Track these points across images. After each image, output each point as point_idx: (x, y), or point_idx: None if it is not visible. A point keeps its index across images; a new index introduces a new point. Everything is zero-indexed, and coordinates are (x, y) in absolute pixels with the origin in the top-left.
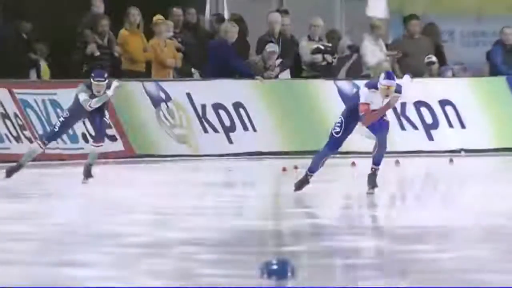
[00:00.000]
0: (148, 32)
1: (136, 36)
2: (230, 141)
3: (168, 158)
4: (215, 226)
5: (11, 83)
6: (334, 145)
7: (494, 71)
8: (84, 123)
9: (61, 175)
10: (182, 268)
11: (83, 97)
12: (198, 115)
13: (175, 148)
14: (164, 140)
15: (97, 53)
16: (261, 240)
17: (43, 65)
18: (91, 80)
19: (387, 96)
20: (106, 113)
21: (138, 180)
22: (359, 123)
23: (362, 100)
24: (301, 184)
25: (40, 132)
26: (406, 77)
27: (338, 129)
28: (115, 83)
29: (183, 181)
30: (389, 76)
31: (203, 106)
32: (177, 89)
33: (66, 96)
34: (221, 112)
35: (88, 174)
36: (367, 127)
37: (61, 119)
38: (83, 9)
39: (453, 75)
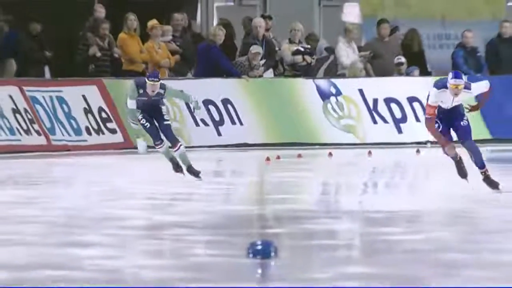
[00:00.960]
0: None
1: (133, 39)
2: (219, 134)
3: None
4: (205, 210)
5: (21, 81)
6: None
7: (462, 72)
8: (86, 116)
9: (66, 164)
10: (176, 248)
11: (131, 105)
12: (190, 110)
13: None
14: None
15: (99, 54)
16: (247, 223)
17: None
18: (146, 79)
19: (456, 94)
20: (165, 115)
21: (137, 169)
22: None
23: (429, 101)
24: (462, 171)
25: (48, 125)
26: (485, 81)
27: (436, 125)
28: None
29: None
30: (456, 75)
31: (196, 103)
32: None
33: (71, 93)
34: (211, 107)
35: (196, 172)
36: (454, 130)
37: (145, 124)
38: (85, 14)
39: (420, 74)
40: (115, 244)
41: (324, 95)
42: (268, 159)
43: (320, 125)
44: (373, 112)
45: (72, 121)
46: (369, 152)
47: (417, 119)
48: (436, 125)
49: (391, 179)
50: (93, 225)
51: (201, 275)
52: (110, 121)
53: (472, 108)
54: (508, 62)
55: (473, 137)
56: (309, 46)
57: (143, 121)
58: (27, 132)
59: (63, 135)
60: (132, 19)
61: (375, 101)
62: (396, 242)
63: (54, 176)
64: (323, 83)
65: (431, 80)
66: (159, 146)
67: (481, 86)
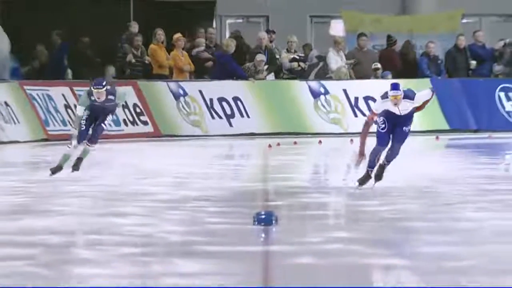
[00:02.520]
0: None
1: (161, 49)
2: (231, 125)
3: (185, 138)
4: (219, 186)
5: (71, 83)
6: (383, 140)
7: (422, 75)
8: (123, 109)
9: (106, 150)
10: (195, 217)
11: (80, 112)
12: (207, 106)
13: (191, 130)
14: (182, 124)
15: (133, 61)
16: (253, 197)
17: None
18: (91, 87)
19: (395, 104)
20: (109, 118)
21: (163, 154)
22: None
23: (373, 108)
24: (364, 179)
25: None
26: (427, 90)
27: (383, 126)
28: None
29: (196, 154)
30: (394, 87)
31: (211, 100)
32: (191, 87)
33: None
34: (224, 104)
35: (76, 167)
36: (396, 130)
37: (81, 124)
38: (123, 29)
39: (392, 78)
40: (146, 214)
41: (315, 94)
42: (270, 145)
43: (312, 118)
44: (354, 108)
45: (113, 115)
46: (351, 140)
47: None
48: (383, 124)
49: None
50: (128, 198)
51: (216, 239)
52: (143, 114)
53: (417, 109)
54: (462, 68)
55: (435, 128)
56: (303, 54)
57: (83, 122)
58: None
59: (105, 126)
60: (160, 33)
61: (356, 99)
62: (373, 212)
63: (96, 159)
64: (314, 84)
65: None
66: (71, 145)
67: (424, 96)
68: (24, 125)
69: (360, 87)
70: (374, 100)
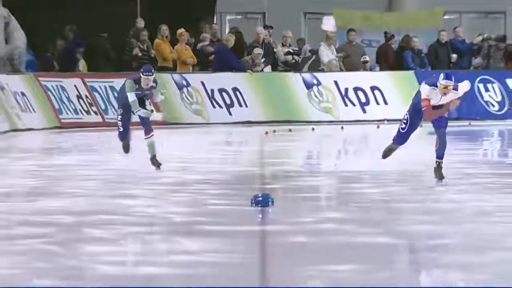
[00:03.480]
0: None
1: (165, 43)
2: (230, 114)
3: (188, 125)
4: (219, 170)
5: (82, 74)
6: (401, 139)
7: (406, 67)
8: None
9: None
10: (197, 199)
11: (132, 97)
12: (208, 96)
13: (193, 118)
14: (186, 113)
15: (140, 54)
16: (251, 180)
17: (83, 63)
18: (140, 74)
19: (445, 94)
20: (147, 106)
21: (169, 140)
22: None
23: (423, 95)
24: (387, 153)
25: (103, 107)
26: (466, 82)
27: (404, 126)
28: (160, 97)
29: (198, 140)
30: (447, 76)
31: (212, 90)
32: (194, 78)
33: (119, 83)
34: (224, 94)
35: (157, 163)
36: (431, 121)
37: (119, 118)
38: (129, 25)
39: (380, 70)
40: (152, 196)
41: (308, 85)
42: (266, 132)
43: (305, 107)
44: (344, 97)
45: None
46: (342, 128)
47: (377, 103)
48: (405, 124)
49: (358, 147)
50: (136, 181)
51: (216, 219)
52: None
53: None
54: (444, 61)
55: None
56: (297, 48)
57: (119, 123)
58: (87, 112)
59: (114, 114)
60: (164, 29)
61: (346, 89)
62: (361, 194)
63: (107, 145)
64: (307, 76)
65: (389, 74)
66: (121, 140)
67: (465, 87)
68: (39, 114)
69: (350, 79)
70: (362, 90)
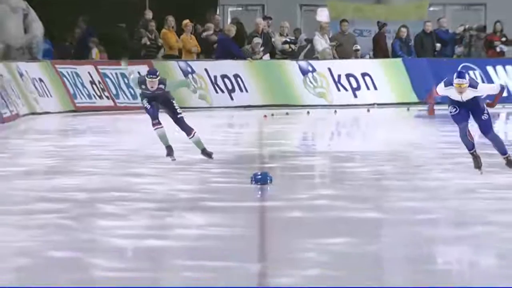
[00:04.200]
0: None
1: (171, 33)
2: (232, 98)
3: (193, 109)
4: (222, 151)
5: (95, 62)
6: (459, 119)
7: (394, 55)
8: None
9: (127, 120)
10: (201, 177)
11: (134, 82)
12: (211, 82)
13: (198, 102)
14: (191, 97)
15: (148, 43)
16: (251, 159)
17: (96, 51)
18: (145, 77)
19: (461, 92)
20: (177, 108)
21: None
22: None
23: (437, 89)
24: (476, 163)
25: (114, 92)
26: (496, 85)
27: (454, 110)
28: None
29: (202, 123)
30: (459, 75)
31: (215, 76)
32: (198, 65)
33: (129, 70)
34: (226, 80)
35: (209, 154)
36: (476, 123)
37: (146, 105)
38: (139, 16)
39: (370, 57)
40: (160, 175)
41: (304, 72)
42: (265, 116)
43: (301, 92)
44: (337, 83)
45: (131, 89)
46: (335, 111)
47: (368, 88)
48: (454, 109)
49: (350, 129)
50: (144, 161)
51: (219, 195)
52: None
53: (488, 105)
54: (429, 49)
55: (406, 100)
56: (293, 38)
57: (146, 104)
58: (100, 97)
59: (124, 99)
60: (170, 20)
61: (339, 76)
62: (353, 173)
63: (118, 127)
64: (303, 63)
65: (378, 61)
66: (155, 127)
67: (489, 88)
68: (55, 98)
69: (342, 66)
70: (353, 76)
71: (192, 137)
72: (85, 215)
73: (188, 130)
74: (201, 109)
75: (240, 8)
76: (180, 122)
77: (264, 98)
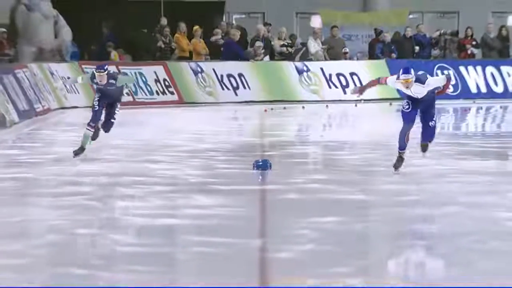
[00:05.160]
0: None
1: (183, 37)
2: (236, 94)
3: (202, 104)
4: (227, 140)
5: (118, 63)
6: (408, 118)
7: (376, 56)
8: (156, 83)
9: (143, 113)
10: (208, 164)
11: (79, 80)
12: (218, 80)
13: (206, 98)
14: (200, 93)
15: (163, 46)
16: (253, 148)
17: (115, 53)
18: (94, 71)
19: (407, 87)
20: (117, 109)
21: (186, 116)
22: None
23: (386, 78)
24: (398, 163)
25: (133, 89)
26: (442, 76)
27: (407, 106)
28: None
29: (210, 116)
30: (404, 71)
31: (221, 75)
32: (207, 66)
33: (147, 70)
34: (231, 79)
35: (76, 152)
36: (422, 126)
37: (95, 105)
38: (155, 22)
39: (358, 59)
40: (172, 161)
41: (299, 72)
42: (265, 110)
43: (297, 89)
44: (329, 81)
45: (148, 87)
46: (327, 106)
47: (355, 86)
48: (407, 105)
49: (340, 122)
50: (159, 149)
51: (225, 180)
52: (170, 87)
53: (438, 93)
54: (409, 52)
55: (389, 96)
56: (290, 42)
57: (96, 103)
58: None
59: (142, 95)
60: (182, 26)
61: (330, 75)
62: (342, 160)
63: (136, 120)
64: (298, 64)
65: (365, 62)
66: (88, 127)
67: (436, 81)
68: (81, 94)
69: (333, 66)
70: (343, 75)
71: (104, 130)
72: (107, 197)
73: (107, 130)
74: (209, 104)
75: (243, 16)
76: (107, 123)
77: (264, 94)
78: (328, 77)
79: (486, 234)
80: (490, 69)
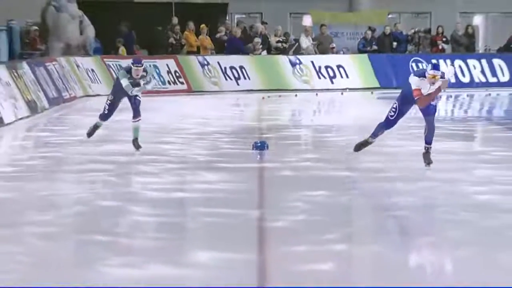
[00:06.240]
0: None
1: (192, 34)
2: (238, 84)
3: (208, 92)
4: (230, 124)
5: (132, 57)
6: (389, 125)
7: (361, 52)
8: (168, 74)
9: (157, 101)
10: (214, 145)
11: (125, 82)
12: (222, 71)
13: (212, 87)
14: (206, 83)
15: (174, 42)
16: (252, 131)
17: (122, 48)
18: (131, 65)
19: (433, 83)
20: (138, 90)
21: (194, 103)
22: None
23: (414, 86)
24: (360, 145)
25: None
26: (451, 67)
27: (392, 113)
28: (154, 81)
29: (215, 103)
30: (434, 67)
31: (225, 67)
32: (212, 59)
33: (160, 62)
34: (233, 70)
35: (137, 146)
36: (399, 118)
37: (108, 102)
38: (167, 21)
39: (344, 53)
40: (182, 142)
41: (293, 64)
42: (263, 97)
43: (290, 80)
44: (318, 73)
45: (161, 77)
46: (316, 94)
47: (341, 77)
48: (394, 113)
49: (328, 108)
50: (172, 132)
51: (228, 159)
52: (181, 77)
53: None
54: (388, 47)
55: (370, 85)
56: (284, 38)
57: (110, 100)
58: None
59: (155, 84)
60: (191, 24)
61: (319, 67)
62: (330, 141)
63: (151, 106)
64: (292, 58)
65: (350, 56)
66: (100, 119)
67: (449, 73)
68: (103, 84)
69: (322, 59)
70: (331, 68)
71: (135, 121)
72: (126, 173)
73: (137, 113)
74: (214, 92)
75: (244, 15)
76: (134, 103)
77: (262, 84)
78: (317, 69)
79: (456, 206)
80: (458, 62)
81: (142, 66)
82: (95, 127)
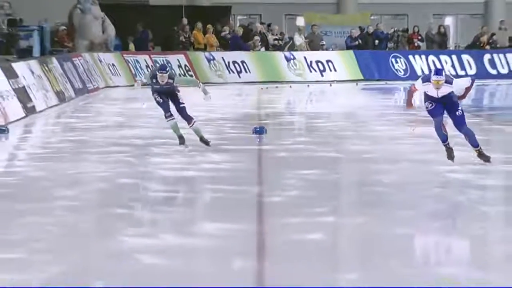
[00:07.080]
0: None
1: (199, 33)
2: (240, 77)
3: (214, 84)
4: (233, 111)
5: (150, 52)
6: (435, 113)
7: (348, 48)
8: (179, 68)
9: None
10: (219, 129)
11: (146, 77)
12: (226, 66)
13: (217, 79)
14: (212, 76)
15: (184, 40)
16: (252, 117)
17: (131, 45)
18: (156, 72)
19: (437, 88)
20: (181, 99)
21: (201, 94)
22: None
23: (415, 85)
24: (449, 154)
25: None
26: (468, 78)
27: (430, 105)
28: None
29: (220, 93)
30: (437, 72)
31: (229, 62)
32: (218, 55)
33: (172, 58)
34: (236, 65)
35: (206, 142)
36: (451, 118)
37: (156, 102)
38: (178, 22)
39: (332, 50)
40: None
41: (288, 59)
42: (262, 88)
43: (286, 73)
44: (310, 67)
45: (172, 71)
46: (308, 85)
47: (330, 70)
48: (430, 105)
49: (318, 97)
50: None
51: (231, 141)
52: (190, 71)
53: (459, 98)
54: (371, 44)
55: (355, 78)
56: (280, 36)
57: (157, 98)
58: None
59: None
60: (199, 24)
61: (311, 62)
62: (321, 126)
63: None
64: (287, 53)
65: (337, 52)
66: (168, 119)
67: (463, 82)
68: (122, 77)
69: (313, 55)
70: (321, 62)
71: (192, 125)
72: (141, 154)
73: (188, 119)
74: (219, 84)
75: (245, 17)
76: (181, 111)
77: (261, 77)
78: (309, 64)
79: (430, 183)
80: (431, 58)
81: (168, 72)
82: (179, 137)
